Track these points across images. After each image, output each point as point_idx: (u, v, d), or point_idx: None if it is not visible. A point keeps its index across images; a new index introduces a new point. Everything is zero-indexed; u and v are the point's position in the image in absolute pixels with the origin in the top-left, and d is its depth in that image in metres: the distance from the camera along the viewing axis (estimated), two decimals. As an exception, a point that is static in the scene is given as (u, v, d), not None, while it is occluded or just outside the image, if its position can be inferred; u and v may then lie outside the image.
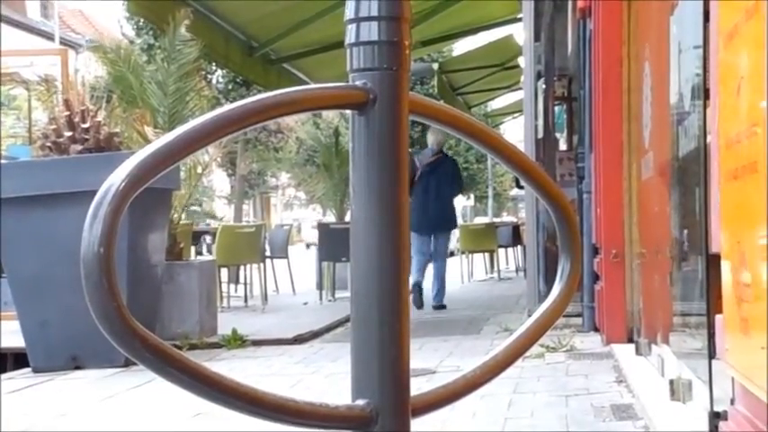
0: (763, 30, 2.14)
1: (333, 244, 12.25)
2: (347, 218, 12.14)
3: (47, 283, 6.66)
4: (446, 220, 11.08)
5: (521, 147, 6.96)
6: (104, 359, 6.55)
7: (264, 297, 11.96)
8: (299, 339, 8.16)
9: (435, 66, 17.96)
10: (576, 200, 7.80)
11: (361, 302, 1.21)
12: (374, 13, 1.19)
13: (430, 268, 11.02)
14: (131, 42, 23.65)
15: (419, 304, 10.49)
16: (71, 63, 11.35)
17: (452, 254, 21.29)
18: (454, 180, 11.08)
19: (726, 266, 2.63)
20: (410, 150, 11.25)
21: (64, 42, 33.28)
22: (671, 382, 4.24)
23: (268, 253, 13.51)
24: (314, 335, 8.51)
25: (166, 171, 1.11)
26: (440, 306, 10.83)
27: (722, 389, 3.12)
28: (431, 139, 11.13)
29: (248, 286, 12.66)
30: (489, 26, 15.24)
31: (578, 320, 7.64)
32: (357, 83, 1.20)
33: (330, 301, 12.24)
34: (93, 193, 1.07)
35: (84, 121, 7.24)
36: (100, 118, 7.40)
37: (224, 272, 11.87)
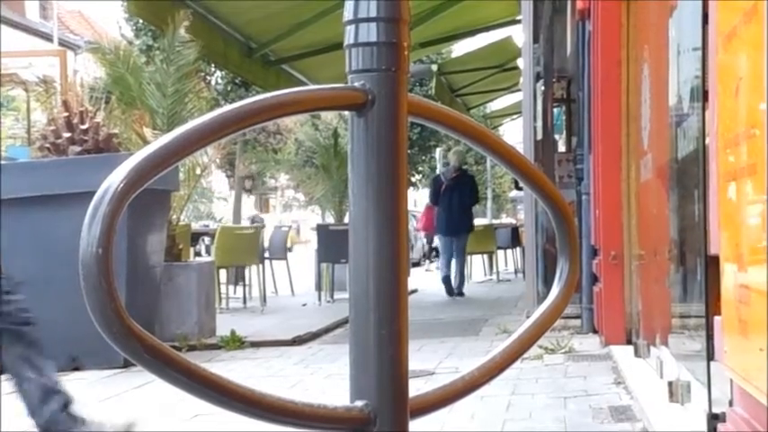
0: (761, 31, 2.14)
1: (332, 245, 12.26)
2: (346, 219, 12.23)
3: (45, 283, 6.65)
4: (465, 225, 13.36)
5: (519, 148, 6.94)
6: (103, 360, 6.55)
7: (263, 298, 11.96)
8: (297, 341, 8.15)
9: (434, 67, 17.98)
10: (574, 201, 7.80)
11: (359, 304, 1.21)
12: (373, 14, 1.19)
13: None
14: (130, 43, 23.62)
15: (450, 292, 13.10)
16: (70, 64, 11.34)
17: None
18: (472, 192, 13.38)
19: (724, 268, 2.63)
20: (436, 173, 12.99)
21: (63, 43, 33.27)
22: (669, 383, 4.24)
23: (267, 254, 13.51)
24: (313, 336, 8.50)
25: (165, 172, 1.11)
26: (460, 294, 13.17)
27: (721, 390, 3.12)
28: (452, 158, 13.72)
29: (247, 287, 12.66)
30: (488, 27, 15.25)
31: (577, 322, 7.63)
32: (356, 84, 1.20)
33: (329, 302, 12.23)
34: (92, 194, 1.07)
35: (82, 123, 7.24)
36: (98, 119, 7.40)
37: (222, 273, 11.86)
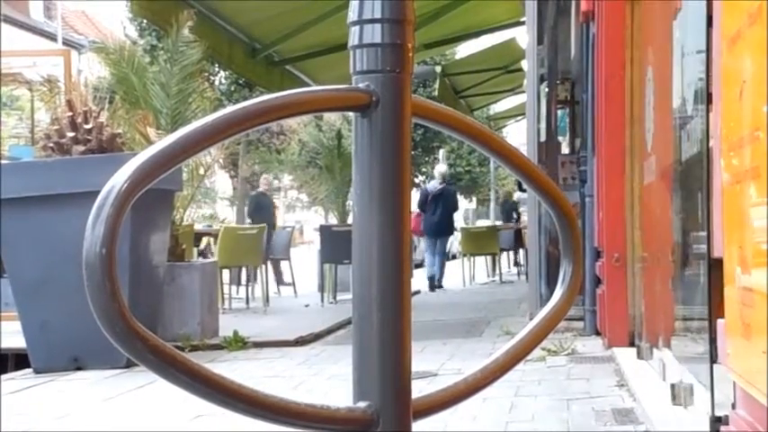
0: (766, 34, 2.14)
1: (335, 246, 12.26)
2: (349, 220, 12.28)
3: (48, 283, 6.66)
4: (447, 229, 16.09)
5: (523, 150, 6.96)
6: (105, 360, 6.55)
7: (266, 299, 11.96)
8: (300, 341, 8.15)
9: (438, 68, 17.98)
10: (578, 203, 7.79)
11: (362, 305, 1.21)
12: (377, 15, 1.19)
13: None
14: (134, 43, 23.64)
15: (432, 289, 15.32)
16: (74, 64, 11.36)
17: (454, 257, 21.39)
18: (454, 202, 16.27)
19: (728, 271, 2.63)
20: (425, 186, 14.37)
21: (67, 43, 33.31)
22: (672, 386, 4.24)
23: (270, 255, 13.52)
24: (315, 337, 8.50)
25: (169, 172, 1.11)
26: (439, 286, 15.57)
27: (724, 393, 3.11)
28: (437, 174, 16.38)
29: (250, 288, 12.66)
30: (492, 29, 15.25)
31: (580, 324, 7.63)
32: (360, 85, 1.20)
33: (332, 303, 12.23)
34: (96, 194, 1.07)
35: (86, 122, 7.24)
36: (102, 119, 7.40)
37: (225, 273, 11.87)
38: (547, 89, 10.73)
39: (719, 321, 2.83)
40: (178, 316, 7.98)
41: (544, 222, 8.59)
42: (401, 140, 1.21)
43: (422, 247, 27.10)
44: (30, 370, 6.90)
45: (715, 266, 3.05)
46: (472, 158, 42.45)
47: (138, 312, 1.09)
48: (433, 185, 16.04)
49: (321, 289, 12.71)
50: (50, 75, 9.50)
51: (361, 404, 1.19)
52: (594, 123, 7.22)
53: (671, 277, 4.81)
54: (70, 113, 7.26)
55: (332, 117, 27.74)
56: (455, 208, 16.50)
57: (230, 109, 1.15)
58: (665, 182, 5.00)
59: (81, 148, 7.14)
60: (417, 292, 13.85)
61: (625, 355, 6.04)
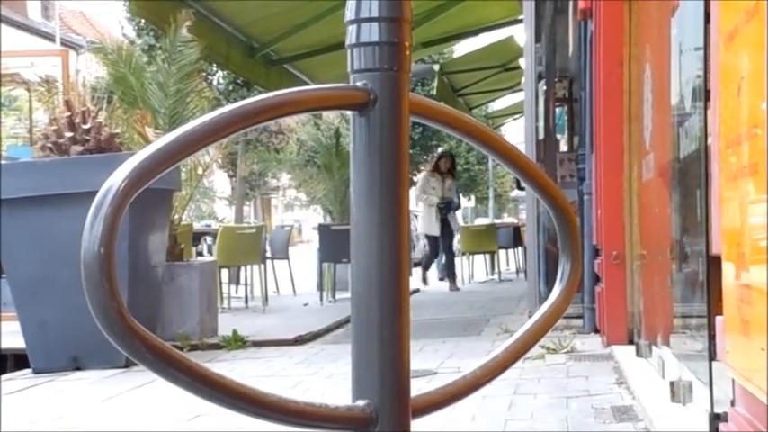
0: (763, 31, 2.14)
1: (333, 245, 12.26)
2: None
3: (47, 283, 6.66)
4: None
5: (521, 148, 6.95)
6: (104, 360, 6.55)
7: (265, 298, 11.96)
8: (299, 340, 8.15)
9: (436, 67, 17.98)
10: (576, 201, 7.79)
11: (361, 303, 1.21)
12: (375, 14, 1.19)
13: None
14: (132, 43, 23.64)
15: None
16: (72, 64, 11.34)
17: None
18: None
19: (726, 268, 2.63)
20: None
21: (65, 43, 33.31)
22: (671, 383, 4.24)
23: (269, 254, 13.52)
24: (314, 336, 8.50)
25: (167, 172, 1.11)
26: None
27: (722, 390, 3.12)
28: None
29: (249, 287, 12.65)
30: (490, 27, 15.24)
31: (579, 322, 7.63)
32: (358, 84, 1.20)
33: (330, 302, 12.23)
34: (94, 193, 1.07)
35: (84, 122, 7.24)
36: (101, 119, 7.39)
37: (224, 273, 11.86)
38: (545, 87, 10.73)
39: (718, 318, 2.83)
40: (177, 315, 7.97)
41: (543, 220, 8.60)
42: (399, 139, 1.21)
43: (419, 245, 27.27)
44: (29, 370, 6.90)
45: (713, 263, 3.06)
46: (471, 157, 42.46)
47: (136, 312, 1.09)
48: None
49: (320, 288, 12.70)
50: (48, 75, 9.49)
51: (360, 402, 1.19)
52: (593, 121, 7.22)
53: (669, 275, 4.81)
54: (68, 114, 7.26)
55: (330, 116, 27.73)
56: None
57: (228, 108, 1.14)
58: (664, 179, 5.00)
59: (79, 148, 7.14)
60: (416, 291, 13.84)
61: (624, 352, 6.04)
